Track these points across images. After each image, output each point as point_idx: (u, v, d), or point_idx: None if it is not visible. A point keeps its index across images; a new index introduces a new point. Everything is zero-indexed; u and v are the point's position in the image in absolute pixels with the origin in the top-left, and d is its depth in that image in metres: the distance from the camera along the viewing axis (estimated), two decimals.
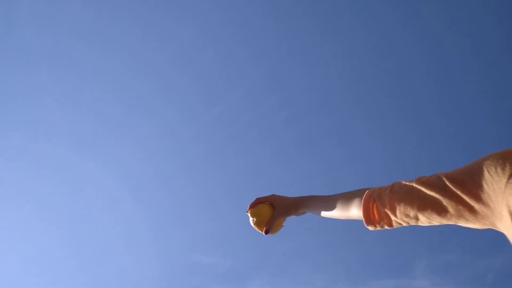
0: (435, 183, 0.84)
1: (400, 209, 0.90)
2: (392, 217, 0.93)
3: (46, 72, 4.70)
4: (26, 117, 4.82)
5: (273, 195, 1.28)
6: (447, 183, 0.81)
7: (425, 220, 0.87)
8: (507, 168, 0.71)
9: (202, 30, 4.58)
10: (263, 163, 4.77)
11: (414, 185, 0.88)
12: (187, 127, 4.81)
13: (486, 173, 0.74)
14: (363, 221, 0.99)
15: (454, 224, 0.84)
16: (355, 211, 1.03)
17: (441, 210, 0.83)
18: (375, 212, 0.96)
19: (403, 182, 0.92)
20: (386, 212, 0.94)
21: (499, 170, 0.72)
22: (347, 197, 1.05)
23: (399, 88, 4.42)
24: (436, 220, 0.85)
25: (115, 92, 4.78)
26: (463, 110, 4.26)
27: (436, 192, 0.83)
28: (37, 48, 4.63)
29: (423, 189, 0.85)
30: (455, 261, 4.16)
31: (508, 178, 0.70)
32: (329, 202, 1.10)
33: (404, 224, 0.93)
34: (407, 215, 0.89)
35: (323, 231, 4.35)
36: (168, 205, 5.01)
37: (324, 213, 1.13)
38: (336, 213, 1.08)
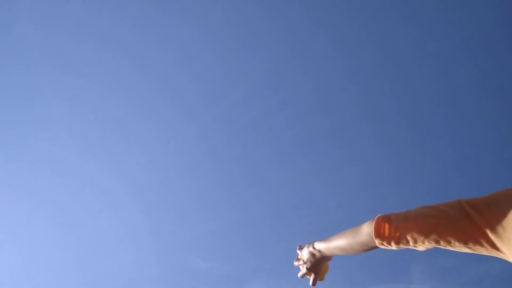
0: (453, 204, 0.89)
1: (414, 224, 0.93)
2: (403, 231, 0.95)
3: (46, 71, 4.70)
4: (26, 116, 4.83)
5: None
6: (465, 205, 0.86)
7: (435, 237, 0.90)
8: None
9: (203, 30, 4.59)
10: (263, 163, 4.77)
11: (432, 204, 0.94)
12: (187, 127, 4.81)
13: (502, 204, 0.81)
14: (373, 233, 1.00)
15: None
16: (366, 229, 1.03)
17: (454, 230, 0.87)
18: (386, 226, 0.98)
19: (419, 208, 0.97)
20: (397, 227, 0.96)
21: None
22: (357, 226, 1.09)
23: (399, 88, 4.42)
24: (445, 240, 0.89)
25: (115, 92, 4.79)
26: (464, 110, 4.26)
27: (453, 210, 0.88)
28: (37, 47, 4.63)
29: (440, 207, 0.91)
30: (452, 265, 4.15)
31: None
32: (340, 233, 1.14)
33: (411, 243, 0.95)
34: (419, 230, 0.92)
35: (322, 234, 4.34)
36: (167, 205, 5.01)
37: (336, 243, 1.15)
38: (347, 239, 1.10)
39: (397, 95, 4.43)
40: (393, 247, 0.99)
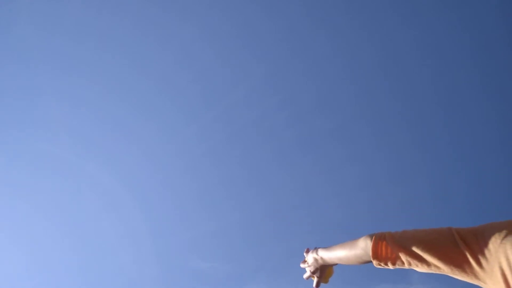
0: (444, 231, 0.96)
1: (408, 246, 1.00)
2: (398, 254, 1.01)
3: (46, 71, 4.70)
4: (26, 116, 4.83)
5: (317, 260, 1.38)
6: (455, 234, 0.94)
7: (426, 261, 0.96)
8: (503, 232, 0.86)
9: (203, 30, 4.59)
10: (263, 163, 4.77)
11: (424, 229, 1.01)
12: (187, 127, 4.81)
13: (486, 235, 0.88)
14: (371, 254, 1.06)
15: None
16: (361, 243, 1.11)
17: (442, 256, 0.94)
18: (383, 248, 1.05)
19: (414, 229, 1.04)
20: (393, 249, 1.02)
21: (496, 233, 0.87)
22: (355, 240, 1.17)
23: (399, 88, 4.42)
24: (434, 265, 0.95)
25: (115, 92, 4.79)
26: (464, 110, 4.26)
27: (444, 239, 0.95)
28: (37, 47, 4.64)
29: (433, 233, 0.98)
30: None
31: (502, 240, 0.85)
32: (340, 244, 1.23)
33: (406, 265, 1.01)
34: (413, 254, 0.98)
35: (322, 234, 4.35)
36: (167, 205, 5.01)
37: (334, 253, 1.24)
38: (344, 251, 1.19)
39: (397, 95, 4.43)
40: (390, 267, 1.05)
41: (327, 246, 1.29)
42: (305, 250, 1.39)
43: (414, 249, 0.98)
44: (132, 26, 4.60)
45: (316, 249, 1.32)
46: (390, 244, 1.03)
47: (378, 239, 1.06)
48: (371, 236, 1.09)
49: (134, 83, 4.73)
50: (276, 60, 4.54)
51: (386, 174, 4.51)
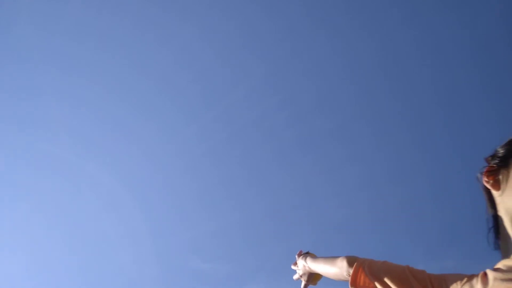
0: (419, 275, 1.06)
1: (384, 279, 1.07)
2: (375, 284, 1.09)
3: (46, 71, 4.70)
4: (26, 116, 4.83)
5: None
6: (427, 279, 1.03)
7: None
8: (464, 279, 0.98)
9: (203, 30, 4.59)
10: (263, 163, 4.77)
11: (403, 266, 1.10)
12: (187, 127, 4.81)
13: (449, 282, 0.99)
14: (349, 281, 1.15)
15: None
16: (340, 263, 1.20)
17: None
18: (362, 277, 1.13)
19: (394, 263, 1.13)
20: (371, 279, 1.10)
21: (458, 281, 0.99)
22: (335, 258, 1.27)
23: (399, 88, 4.42)
24: None
25: (115, 92, 4.79)
26: (464, 110, 4.26)
27: (417, 282, 1.04)
28: (37, 47, 4.64)
29: (408, 273, 1.07)
30: (452, 266, 4.15)
31: (462, 285, 0.96)
32: (323, 258, 1.34)
33: None
34: (387, 287, 1.07)
35: (322, 234, 4.35)
36: (167, 205, 5.01)
37: (318, 266, 1.35)
38: (325, 266, 1.30)
39: (397, 95, 4.43)
40: None
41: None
42: (298, 252, 1.51)
43: (389, 283, 1.06)
44: (132, 26, 4.60)
45: (307, 254, 1.45)
46: (368, 275, 1.11)
47: (359, 267, 1.14)
48: (348, 259, 1.18)
49: (134, 83, 4.73)
50: (276, 60, 4.55)
51: (386, 174, 4.51)
